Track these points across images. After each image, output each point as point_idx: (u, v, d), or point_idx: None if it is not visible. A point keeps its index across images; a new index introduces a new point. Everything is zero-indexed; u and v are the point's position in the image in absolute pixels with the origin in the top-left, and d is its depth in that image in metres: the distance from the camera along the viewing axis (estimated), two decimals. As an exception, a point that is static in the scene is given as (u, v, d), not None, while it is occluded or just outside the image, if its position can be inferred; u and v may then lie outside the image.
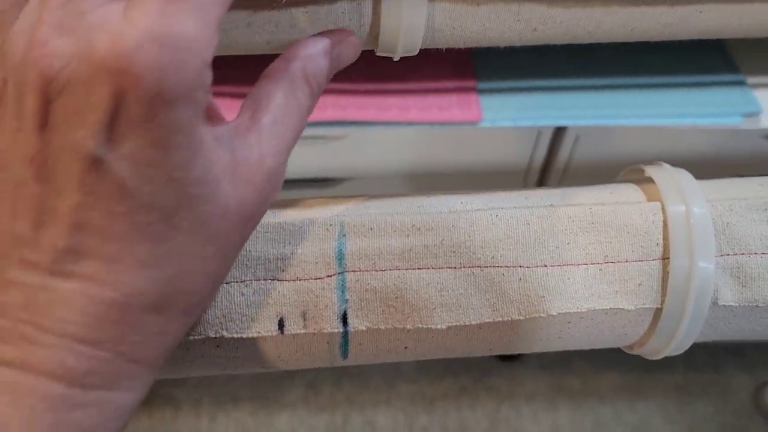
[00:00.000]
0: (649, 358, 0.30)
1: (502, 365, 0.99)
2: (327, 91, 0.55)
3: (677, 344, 0.28)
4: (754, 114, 0.55)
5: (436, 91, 0.58)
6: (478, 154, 0.59)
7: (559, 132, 0.57)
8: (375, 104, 0.57)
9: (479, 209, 0.28)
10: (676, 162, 0.48)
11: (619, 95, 0.58)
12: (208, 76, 0.19)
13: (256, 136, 0.22)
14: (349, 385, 0.96)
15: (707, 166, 0.59)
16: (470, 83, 0.57)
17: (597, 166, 0.59)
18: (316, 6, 0.26)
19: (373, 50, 0.29)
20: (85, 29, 0.19)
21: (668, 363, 1.01)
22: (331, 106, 0.55)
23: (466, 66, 0.59)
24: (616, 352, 0.31)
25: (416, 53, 0.28)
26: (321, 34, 0.26)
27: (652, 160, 0.30)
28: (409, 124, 0.56)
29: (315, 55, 0.24)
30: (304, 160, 0.59)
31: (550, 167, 0.60)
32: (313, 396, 0.95)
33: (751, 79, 0.56)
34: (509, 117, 0.56)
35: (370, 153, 0.58)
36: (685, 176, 0.29)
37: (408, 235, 0.27)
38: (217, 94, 0.53)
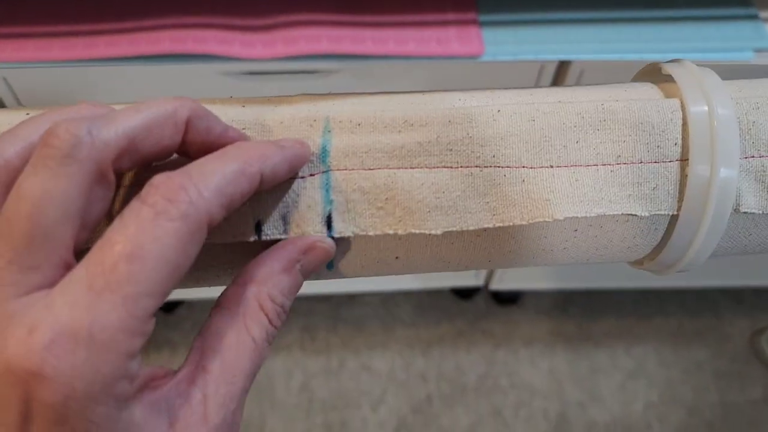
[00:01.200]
0: (659, 274, 0.28)
1: (499, 310, 0.99)
2: (321, 23, 0.53)
3: (692, 258, 0.25)
4: (766, 49, 0.53)
5: (435, 23, 0.55)
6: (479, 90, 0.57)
7: (562, 66, 0.54)
8: (371, 37, 0.54)
9: (479, 105, 0.26)
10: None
11: (625, 28, 0.56)
12: (134, 364, 0.18)
13: (201, 390, 0.20)
14: (344, 329, 0.96)
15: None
16: (471, 15, 0.55)
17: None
18: None
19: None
20: (0, 321, 0.17)
21: (664, 308, 1.00)
22: (326, 39, 0.53)
23: (466, -4, 0.56)
24: (613, 296, 0.29)
25: None
26: (285, 242, 0.23)
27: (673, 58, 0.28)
28: (407, 58, 0.53)
29: (271, 277, 0.22)
30: (297, 96, 0.56)
31: (552, 105, 0.58)
32: (308, 340, 0.94)
33: (765, 13, 0.54)
34: (511, 51, 0.54)
35: (366, 88, 0.56)
36: (708, 74, 0.26)
37: (400, 131, 0.25)
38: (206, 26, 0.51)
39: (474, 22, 0.54)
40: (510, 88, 0.27)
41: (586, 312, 0.99)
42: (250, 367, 0.21)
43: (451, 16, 0.54)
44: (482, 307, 0.99)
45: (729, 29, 0.55)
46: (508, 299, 0.99)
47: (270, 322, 0.22)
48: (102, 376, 0.17)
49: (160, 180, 0.19)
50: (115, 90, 0.55)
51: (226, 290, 0.22)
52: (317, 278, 0.26)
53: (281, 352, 0.93)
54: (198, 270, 0.25)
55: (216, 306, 0.22)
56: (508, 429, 0.91)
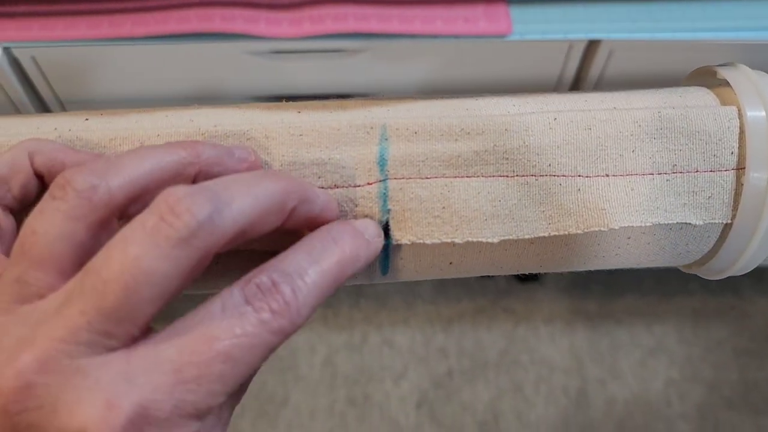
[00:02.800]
0: (709, 277, 0.28)
1: (520, 287, 0.99)
2: (347, 2, 0.52)
3: (744, 264, 0.26)
4: (807, 27, 0.52)
5: (463, 1, 0.55)
6: (506, 69, 0.57)
7: (591, 46, 0.54)
8: (398, 15, 0.54)
9: (534, 112, 0.25)
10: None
11: (656, 7, 0.55)
12: None
13: None
14: (366, 306, 0.96)
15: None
16: (499, -7, 0.54)
17: (631, 83, 0.56)
18: None
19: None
20: (68, 375, 0.18)
21: (686, 287, 1.00)
22: (352, 17, 0.52)
23: (495, -26, 0.55)
24: (634, 275, 0.29)
25: None
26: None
27: (678, 72, 0.27)
28: (434, 36, 0.53)
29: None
30: (322, 76, 0.56)
31: (580, 84, 0.57)
32: (331, 316, 0.95)
33: (801, -11, 0.52)
34: (540, 30, 0.53)
35: (392, 68, 0.56)
36: (765, 78, 0.26)
37: (456, 140, 0.25)
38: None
39: (502, 0, 0.53)
40: (564, 93, 0.27)
41: (607, 290, 0.99)
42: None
43: (478, -6, 0.53)
44: (503, 285, 0.99)
45: (764, 6, 0.54)
46: (529, 277, 0.99)
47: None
48: None
49: (266, 285, 0.20)
50: (143, 70, 0.55)
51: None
52: (370, 282, 0.26)
53: (305, 327, 0.94)
54: (228, 277, 0.26)
55: None
56: (529, 404, 0.92)
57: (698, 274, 0.28)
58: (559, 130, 0.25)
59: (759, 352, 0.96)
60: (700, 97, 0.27)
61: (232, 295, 0.20)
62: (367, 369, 0.93)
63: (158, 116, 0.26)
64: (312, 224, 0.23)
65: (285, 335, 0.20)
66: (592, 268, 0.27)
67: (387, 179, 0.24)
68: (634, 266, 0.27)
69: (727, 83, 0.26)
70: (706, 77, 0.27)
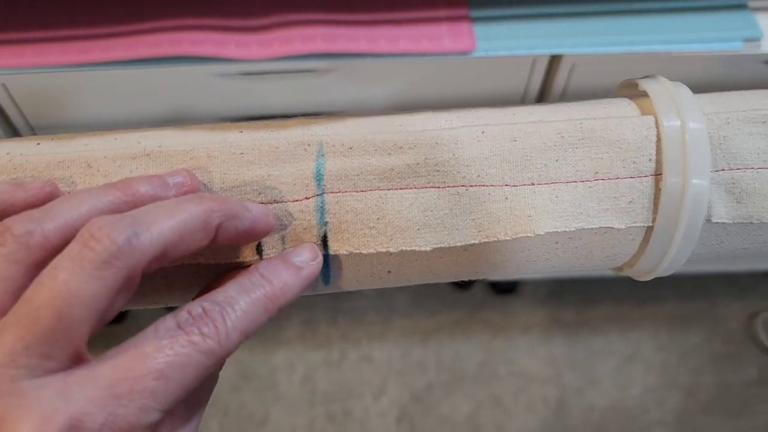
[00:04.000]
0: (639, 279, 0.29)
1: (496, 299, 1.00)
2: (315, 23, 0.53)
3: (668, 264, 0.27)
4: (755, 39, 0.54)
5: (428, 20, 0.56)
6: (471, 86, 0.58)
7: (554, 60, 0.55)
8: (365, 35, 0.55)
9: (464, 126, 0.27)
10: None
11: (615, 21, 0.56)
12: None
13: None
14: (344, 322, 0.97)
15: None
16: (462, 11, 0.55)
17: (594, 95, 0.57)
18: None
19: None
20: (11, 398, 0.18)
21: (660, 293, 1.02)
22: (321, 38, 0.53)
23: (458, -7, 0.56)
24: (609, 283, 0.30)
25: None
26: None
27: (648, 74, 0.29)
28: (400, 55, 0.54)
29: (282, 282, 0.24)
30: (291, 96, 0.57)
31: (545, 97, 0.59)
32: (309, 333, 0.95)
33: (754, 2, 0.55)
34: (503, 46, 0.54)
35: (360, 87, 0.57)
36: (681, 90, 0.27)
37: (390, 154, 0.26)
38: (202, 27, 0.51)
39: (465, 18, 0.54)
40: (494, 107, 0.28)
41: (583, 299, 1.01)
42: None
43: (443, 13, 0.55)
44: (480, 297, 1.00)
45: (718, 19, 0.55)
46: (505, 289, 1.00)
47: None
48: None
49: (197, 311, 0.21)
50: (113, 94, 0.55)
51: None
52: (314, 292, 0.27)
53: (282, 346, 0.94)
54: (176, 291, 0.27)
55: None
56: (508, 415, 0.92)
57: (630, 276, 0.29)
58: (487, 142, 0.26)
59: (733, 356, 0.97)
60: (621, 108, 0.28)
61: (165, 321, 0.21)
62: (346, 385, 0.93)
63: (107, 139, 0.27)
64: (246, 237, 0.25)
65: (215, 357, 0.21)
66: (527, 274, 0.28)
67: (324, 193, 0.25)
68: (568, 271, 0.28)
69: (647, 94, 0.27)
70: (630, 89, 0.29)
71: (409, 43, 0.54)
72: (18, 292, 0.20)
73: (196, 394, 0.23)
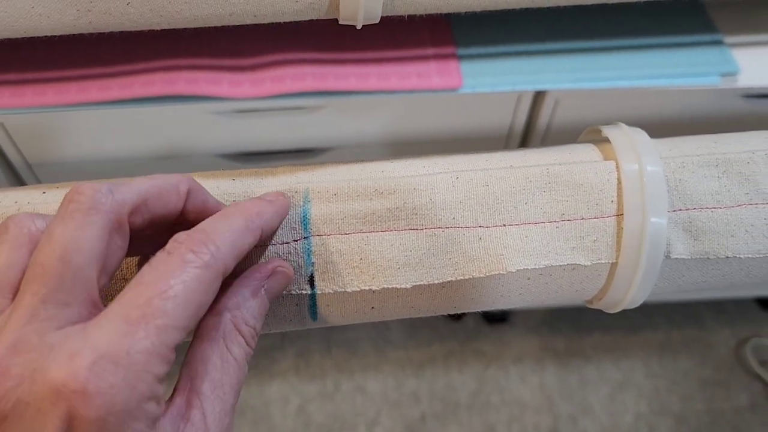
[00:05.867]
0: (609, 311, 0.31)
1: (489, 329, 1.01)
2: (305, 62, 0.55)
3: (633, 297, 0.29)
4: (731, 73, 0.56)
5: (415, 58, 0.58)
6: (459, 121, 0.59)
7: (538, 96, 0.57)
8: (354, 73, 0.56)
9: (440, 172, 0.28)
10: (657, 124, 0.48)
11: (597, 58, 0.58)
12: (161, 388, 0.21)
13: (199, 410, 0.23)
14: (337, 353, 0.97)
15: (687, 127, 0.60)
16: (449, 50, 0.57)
17: (577, 129, 0.59)
18: None
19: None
20: (41, 350, 0.20)
21: (650, 321, 1.03)
22: (311, 76, 0.55)
23: (444, 32, 0.58)
24: (600, 312, 0.32)
25: (377, 21, 0.29)
26: (250, 271, 0.26)
27: (612, 121, 0.31)
28: (389, 92, 0.55)
29: (243, 303, 0.25)
30: (283, 132, 0.59)
31: (531, 131, 0.61)
32: (303, 365, 0.96)
33: (729, 39, 0.57)
34: (489, 83, 0.56)
35: (351, 122, 0.58)
36: (640, 135, 0.30)
37: (371, 199, 0.28)
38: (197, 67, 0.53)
39: (453, 56, 0.56)
40: (468, 154, 0.30)
41: (575, 328, 1.01)
42: (236, 384, 0.24)
43: (430, 51, 0.56)
44: (472, 328, 1.01)
45: (696, 55, 0.57)
46: (498, 318, 1.01)
47: (246, 343, 0.25)
48: (138, 394, 0.20)
49: (182, 237, 0.23)
50: (110, 132, 0.56)
51: (202, 321, 0.25)
52: (303, 327, 0.29)
53: (277, 377, 0.94)
54: None
55: (196, 336, 0.24)
56: (502, 445, 0.92)
57: (599, 308, 0.31)
58: (461, 187, 0.28)
59: (723, 382, 0.98)
60: (585, 153, 0.30)
61: (156, 255, 0.22)
62: (340, 416, 0.93)
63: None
64: (211, 210, 0.27)
65: (213, 269, 0.22)
66: (502, 307, 0.30)
67: (310, 236, 0.27)
68: (540, 304, 0.30)
69: (609, 140, 0.29)
70: (594, 135, 0.31)
71: (399, 81, 0.56)
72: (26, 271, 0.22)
73: (225, 382, 0.23)
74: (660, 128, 0.59)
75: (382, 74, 0.55)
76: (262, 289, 0.26)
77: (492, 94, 0.56)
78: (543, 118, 0.58)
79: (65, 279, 0.21)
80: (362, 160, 0.30)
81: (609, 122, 0.59)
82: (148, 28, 0.29)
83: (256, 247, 0.27)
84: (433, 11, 0.29)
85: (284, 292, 0.27)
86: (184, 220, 0.26)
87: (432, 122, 0.60)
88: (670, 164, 0.28)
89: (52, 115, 0.53)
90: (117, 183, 0.23)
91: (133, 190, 0.23)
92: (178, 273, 0.21)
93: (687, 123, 0.60)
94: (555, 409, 0.95)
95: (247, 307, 0.25)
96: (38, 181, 0.59)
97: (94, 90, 0.53)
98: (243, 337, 0.25)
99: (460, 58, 0.56)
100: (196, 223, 0.25)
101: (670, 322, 1.03)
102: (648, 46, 0.58)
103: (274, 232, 0.27)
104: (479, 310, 0.30)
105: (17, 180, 0.59)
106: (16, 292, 0.22)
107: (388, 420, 0.93)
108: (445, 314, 0.30)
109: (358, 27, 0.29)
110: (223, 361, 0.24)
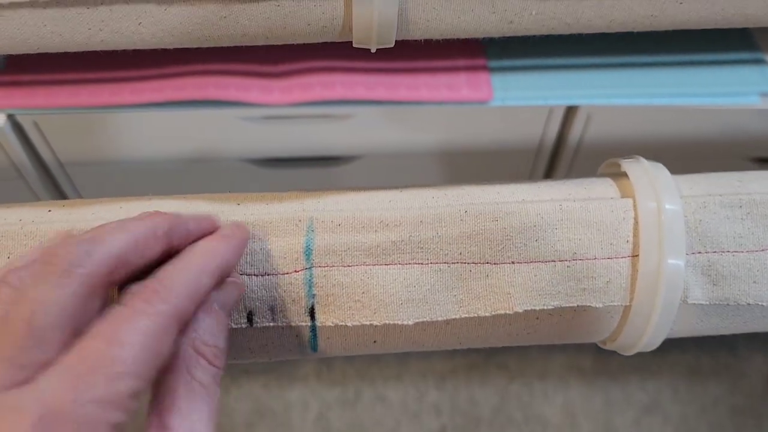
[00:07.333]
0: (623, 353, 0.30)
1: (513, 343, 0.99)
2: (335, 70, 0.55)
3: (648, 341, 0.27)
4: (773, 94, 0.54)
5: (446, 69, 0.57)
6: (488, 133, 0.59)
7: (570, 111, 0.56)
8: (383, 83, 0.56)
9: (449, 205, 0.28)
10: (691, 142, 0.47)
11: (631, 73, 0.57)
12: None
13: None
14: (360, 361, 0.97)
15: (722, 147, 0.58)
16: (480, 61, 0.57)
17: (610, 145, 0.58)
18: (287, 0, 0.26)
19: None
20: None
21: (680, 343, 1.00)
22: (340, 85, 0.55)
23: (475, 43, 0.58)
24: None
25: (392, 45, 0.28)
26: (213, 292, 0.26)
27: (630, 155, 0.30)
28: (418, 103, 0.55)
29: (197, 324, 0.24)
30: (310, 139, 0.59)
31: (561, 146, 0.60)
32: (325, 371, 0.96)
33: (771, 58, 0.55)
34: (520, 96, 0.55)
35: (379, 132, 0.58)
36: (660, 171, 0.28)
37: (376, 231, 0.27)
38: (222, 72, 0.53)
39: (483, 68, 0.55)
40: (480, 184, 0.29)
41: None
42: (206, 410, 0.23)
43: (461, 62, 0.56)
44: (497, 340, 1.00)
45: (736, 74, 0.56)
46: (522, 332, 1.00)
47: (210, 363, 0.24)
48: None
49: (135, 288, 0.23)
50: (140, 134, 0.57)
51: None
52: (302, 357, 0.29)
53: (298, 382, 0.94)
54: None
55: (160, 370, 0.23)
56: (522, 463, 0.91)
57: (614, 350, 0.30)
58: (470, 221, 0.27)
59: (755, 411, 0.95)
60: (602, 189, 0.29)
61: (110, 308, 0.22)
62: (359, 425, 0.93)
63: (113, 207, 0.28)
64: (198, 235, 0.26)
65: (166, 316, 0.22)
66: (508, 345, 0.29)
67: (312, 267, 0.27)
68: (548, 343, 0.29)
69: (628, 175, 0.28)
70: (613, 167, 0.30)
71: (428, 92, 0.55)
72: None
73: (193, 411, 0.23)
74: (695, 148, 0.58)
75: (412, 85, 0.55)
76: (214, 304, 0.25)
77: (522, 108, 0.55)
78: (575, 133, 0.57)
79: (27, 342, 0.20)
80: (371, 188, 0.29)
81: (642, 139, 0.57)
82: (160, 47, 0.29)
83: (255, 276, 0.27)
84: (449, 36, 0.28)
85: (282, 324, 0.27)
86: (170, 252, 0.26)
87: (461, 134, 0.59)
88: (690, 204, 0.27)
89: (85, 116, 0.54)
90: (94, 238, 0.23)
91: (110, 251, 0.23)
92: (132, 322, 0.21)
93: (723, 143, 0.58)
94: (578, 430, 0.93)
95: (202, 327, 0.24)
96: (70, 179, 0.60)
97: (126, 92, 0.53)
98: (205, 358, 0.24)
99: (491, 70, 0.56)
100: (183, 245, 0.25)
101: (700, 346, 1.00)
102: (685, 63, 0.56)
103: (233, 268, 0.27)
104: (487, 346, 0.29)
105: (49, 178, 0.60)
106: None
107: (408, 431, 0.92)
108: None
109: (373, 51, 0.29)
110: (188, 390, 0.23)
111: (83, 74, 0.54)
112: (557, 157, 0.60)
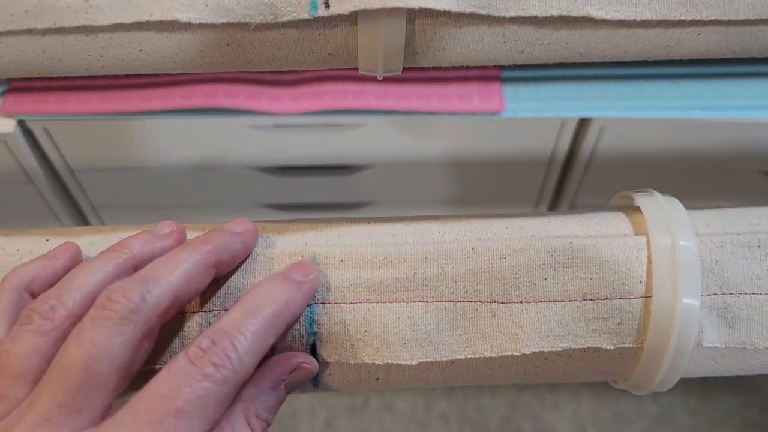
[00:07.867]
0: (635, 393, 0.29)
1: (523, 353, 0.98)
2: (346, 79, 0.54)
3: (660, 382, 0.26)
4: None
5: (458, 79, 0.57)
6: (499, 144, 0.58)
7: (583, 123, 0.55)
8: (394, 93, 0.56)
9: (455, 240, 0.27)
10: (702, 155, 0.46)
11: (645, 85, 0.56)
12: None
13: None
14: (368, 369, 0.96)
15: (734, 160, 0.57)
16: (493, 71, 0.56)
17: (622, 158, 0.57)
18: (292, 29, 0.25)
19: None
20: None
21: (694, 356, 0.99)
22: (351, 94, 0.54)
23: (488, 54, 0.57)
24: None
25: (400, 72, 0.28)
26: (273, 362, 0.25)
27: (644, 188, 0.29)
28: (429, 113, 0.55)
29: (259, 395, 0.24)
30: (320, 148, 0.58)
31: (573, 158, 0.59)
32: (332, 378, 0.95)
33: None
34: (532, 107, 0.55)
35: (389, 141, 0.58)
36: (675, 206, 0.27)
37: (379, 267, 0.26)
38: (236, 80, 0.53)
39: (496, 79, 0.55)
40: (489, 218, 0.28)
41: (613, 357, 0.98)
42: None
43: (473, 73, 0.55)
44: (506, 350, 0.99)
45: (751, 87, 0.55)
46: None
47: None
48: None
49: (206, 345, 0.22)
50: (150, 140, 0.57)
51: None
52: (303, 392, 0.28)
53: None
54: None
55: None
56: (531, 474, 0.90)
57: (626, 389, 0.29)
58: (476, 258, 0.26)
59: (767, 426, 0.94)
60: (614, 224, 0.28)
61: (178, 360, 0.22)
62: (367, 434, 0.92)
63: (111, 237, 0.28)
64: (245, 254, 0.26)
65: (231, 384, 0.22)
66: (515, 383, 0.28)
67: (314, 304, 0.26)
68: (558, 382, 0.28)
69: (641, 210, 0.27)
70: (626, 199, 0.29)
71: (439, 102, 0.55)
72: (49, 360, 0.22)
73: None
74: (707, 160, 0.56)
75: (423, 94, 0.54)
76: (283, 383, 0.25)
77: (534, 120, 0.54)
78: (587, 145, 0.56)
79: (85, 386, 0.21)
80: (375, 220, 0.29)
81: (656, 153, 0.56)
82: (162, 72, 0.29)
83: None
84: (457, 64, 0.28)
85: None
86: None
87: (472, 144, 0.58)
88: (706, 243, 0.26)
89: (95, 123, 0.54)
90: (148, 279, 0.23)
91: (164, 291, 0.23)
92: (197, 389, 0.21)
93: (735, 156, 0.57)
94: (588, 442, 0.92)
95: (262, 400, 0.24)
96: (80, 184, 0.60)
97: (136, 100, 0.53)
98: (252, 430, 0.24)
99: (504, 80, 0.55)
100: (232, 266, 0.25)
101: (714, 358, 0.99)
102: (699, 75, 0.55)
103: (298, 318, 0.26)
104: (493, 384, 0.29)
105: (59, 183, 0.60)
106: (36, 380, 0.22)
107: (416, 440, 0.91)
108: None
109: (380, 78, 0.28)
110: None
111: (93, 81, 0.54)
112: (569, 170, 0.59)
